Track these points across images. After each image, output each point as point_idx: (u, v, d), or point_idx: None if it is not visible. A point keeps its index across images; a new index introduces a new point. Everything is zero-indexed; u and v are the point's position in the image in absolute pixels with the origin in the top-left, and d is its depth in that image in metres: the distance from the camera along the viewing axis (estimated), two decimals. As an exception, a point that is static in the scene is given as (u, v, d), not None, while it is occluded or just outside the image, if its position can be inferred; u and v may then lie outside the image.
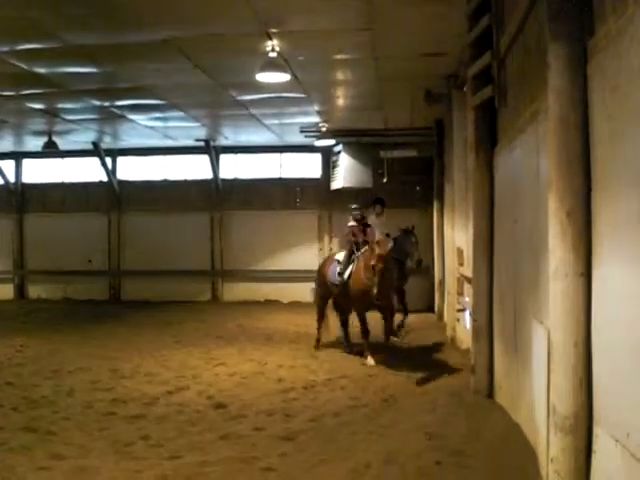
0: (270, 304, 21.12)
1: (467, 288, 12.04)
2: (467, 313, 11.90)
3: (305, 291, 21.62)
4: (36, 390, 9.62)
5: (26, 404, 8.85)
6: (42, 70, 12.66)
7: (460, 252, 13.23)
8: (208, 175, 22.62)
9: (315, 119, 17.83)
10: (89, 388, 9.74)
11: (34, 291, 23.37)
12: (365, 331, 12.04)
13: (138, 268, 22.60)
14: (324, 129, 18.77)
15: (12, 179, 23.80)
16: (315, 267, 21.88)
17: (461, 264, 13.15)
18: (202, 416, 8.31)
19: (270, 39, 10.54)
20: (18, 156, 23.64)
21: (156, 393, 9.39)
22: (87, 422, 8.01)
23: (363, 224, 13.06)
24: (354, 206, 13.54)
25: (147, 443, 7.21)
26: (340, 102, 16.33)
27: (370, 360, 11.58)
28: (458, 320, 13.41)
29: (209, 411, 8.56)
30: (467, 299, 11.95)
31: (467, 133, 10.32)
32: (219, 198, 22.56)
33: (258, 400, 9.09)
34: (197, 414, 8.39)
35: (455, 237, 14.08)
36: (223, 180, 22.76)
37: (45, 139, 19.22)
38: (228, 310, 19.74)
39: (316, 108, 16.43)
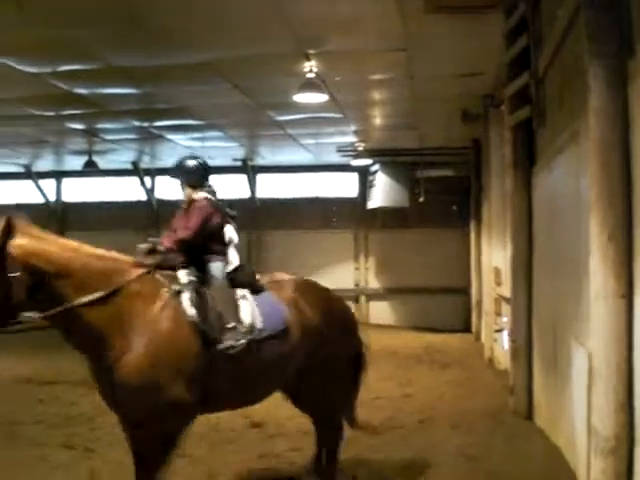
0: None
1: (505, 308, 11.95)
2: (505, 333, 11.81)
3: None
4: (74, 407, 9.69)
5: (65, 421, 8.92)
6: (82, 91, 12.87)
7: (498, 272, 13.14)
8: (245, 194, 22.78)
9: (352, 139, 17.90)
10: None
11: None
12: None
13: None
14: (360, 149, 18.83)
15: (53, 198, 24.21)
16: (351, 286, 22.07)
17: (499, 284, 13.06)
18: (238, 435, 8.31)
19: (308, 60, 10.62)
20: (59, 175, 24.04)
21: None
22: (120, 440, 8.04)
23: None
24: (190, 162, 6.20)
25: (185, 460, 7.21)
26: (376, 122, 16.39)
27: None
28: (496, 340, 13.30)
29: (245, 430, 8.56)
30: (505, 319, 11.87)
31: (504, 152, 10.30)
32: (256, 217, 22.65)
33: (294, 419, 9.04)
34: (233, 433, 8.39)
35: (492, 257, 14.00)
36: (260, 199, 22.88)
37: (85, 159, 19.52)
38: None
39: (353, 128, 16.50)
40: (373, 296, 22.03)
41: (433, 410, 9.60)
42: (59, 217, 23.97)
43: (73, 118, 15.25)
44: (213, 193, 6.10)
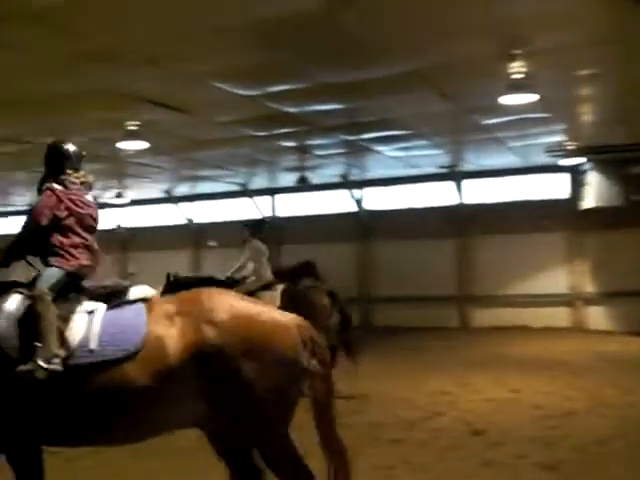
0: (519, 330, 20.50)
1: None
2: None
3: (556, 315, 20.94)
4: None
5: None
6: (293, 109, 13.46)
7: None
8: (452, 201, 22.70)
9: (560, 138, 17.36)
10: (345, 411, 9.95)
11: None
12: None
13: (387, 294, 22.94)
14: (570, 148, 18.20)
15: (268, 213, 25.37)
16: (564, 290, 21.29)
17: None
18: (461, 442, 8.29)
19: (514, 60, 10.46)
20: (272, 192, 25.17)
21: (413, 418, 9.49)
22: (347, 444, 8.21)
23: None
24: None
25: (408, 467, 7.30)
26: (585, 118, 15.85)
27: None
28: None
29: (467, 437, 8.52)
30: None
31: None
32: (463, 224, 22.47)
33: (516, 427, 8.93)
34: (456, 440, 8.37)
35: None
36: (467, 205, 22.70)
37: (297, 175, 20.30)
38: (477, 336, 19.57)
39: (561, 127, 16.02)
40: (589, 300, 21.12)
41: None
42: (273, 232, 25.03)
43: (285, 136, 15.97)
44: (65, 182, 5.17)
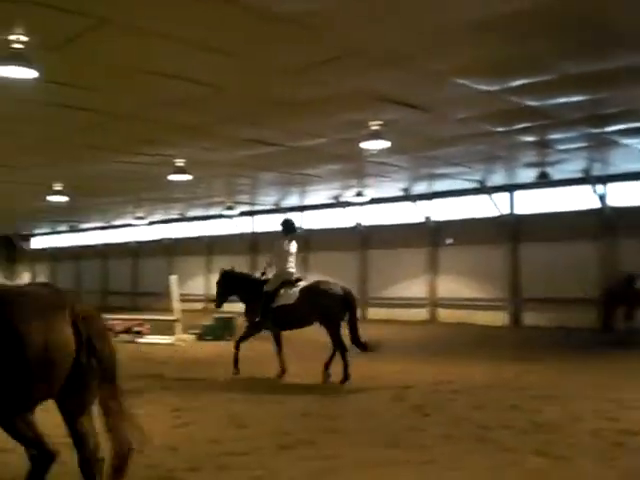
0: None
1: None
2: None
3: None
4: (540, 414, 9.80)
5: (533, 428, 9.05)
6: (534, 103, 13.19)
7: None
8: None
9: None
10: (593, 416, 9.59)
11: (529, 318, 23.84)
12: None
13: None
14: None
15: (505, 211, 24.99)
16: None
17: None
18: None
19: None
20: (511, 188, 24.72)
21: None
22: (596, 450, 7.89)
23: None
24: None
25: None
26: None
27: None
28: None
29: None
30: None
31: None
32: None
33: None
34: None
35: None
36: None
37: (537, 170, 19.81)
38: None
39: None
40: None
41: None
42: (512, 229, 24.61)
43: (524, 131, 15.67)
44: None
